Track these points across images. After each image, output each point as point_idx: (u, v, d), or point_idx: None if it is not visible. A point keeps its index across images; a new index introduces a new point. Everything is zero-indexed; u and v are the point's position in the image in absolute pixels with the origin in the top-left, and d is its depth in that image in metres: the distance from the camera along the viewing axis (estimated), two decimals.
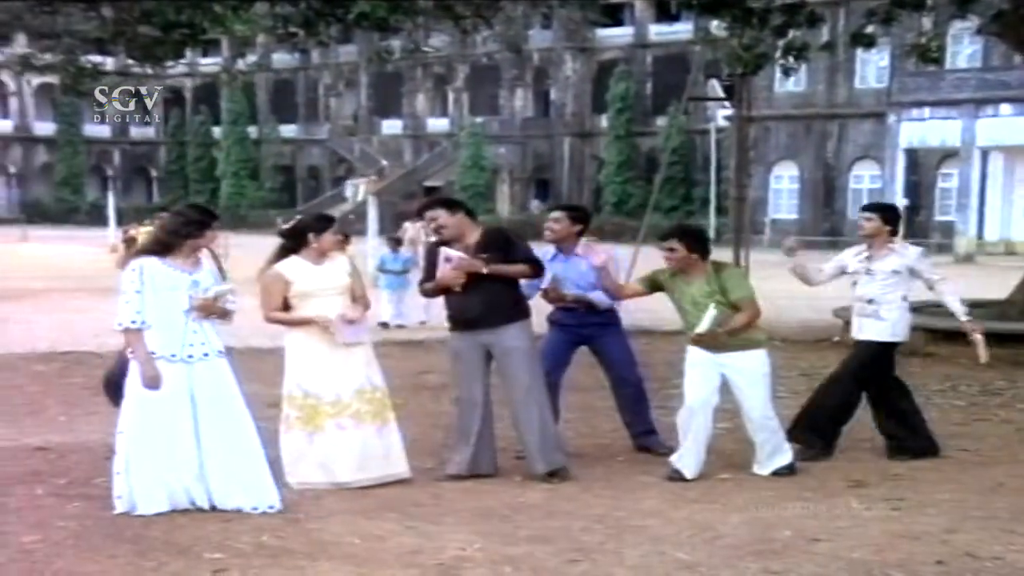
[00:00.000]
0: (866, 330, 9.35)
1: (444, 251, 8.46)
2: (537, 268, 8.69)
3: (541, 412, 8.65)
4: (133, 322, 7.46)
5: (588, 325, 9.48)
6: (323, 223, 8.46)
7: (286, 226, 8.46)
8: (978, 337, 9.23)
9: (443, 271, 8.46)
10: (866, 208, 9.75)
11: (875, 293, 9.27)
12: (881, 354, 9.43)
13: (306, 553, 6.72)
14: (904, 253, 9.38)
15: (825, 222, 59.01)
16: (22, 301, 22.71)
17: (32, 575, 6.32)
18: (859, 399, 9.64)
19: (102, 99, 78.46)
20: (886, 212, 9.55)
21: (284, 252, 8.36)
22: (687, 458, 8.64)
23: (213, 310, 7.62)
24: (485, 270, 8.40)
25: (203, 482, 7.52)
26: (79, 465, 8.76)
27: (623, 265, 9.83)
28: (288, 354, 8.40)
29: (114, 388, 8.01)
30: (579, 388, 11.74)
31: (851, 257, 9.50)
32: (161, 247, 7.62)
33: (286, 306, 8.34)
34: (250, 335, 16.25)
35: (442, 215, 8.55)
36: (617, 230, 60.26)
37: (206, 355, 7.60)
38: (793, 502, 7.98)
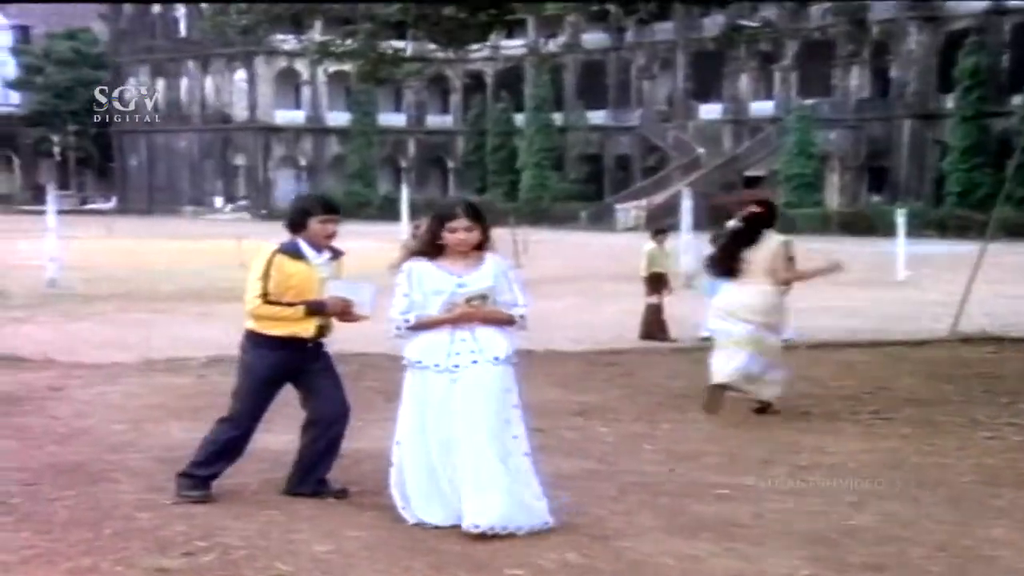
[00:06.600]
0: None
1: None
2: None
3: None
4: (398, 328, 7.63)
5: None
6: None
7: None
8: None
9: None
10: None
11: None
12: None
13: (614, 572, 6.80)
14: None
15: None
16: None
17: None
18: None
19: (401, 86, 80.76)
20: None
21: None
22: None
23: (468, 316, 7.55)
24: None
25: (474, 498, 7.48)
26: (373, 473, 9.00)
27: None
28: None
29: None
30: (920, 401, 11.53)
31: None
32: (429, 248, 7.70)
33: None
34: (554, 337, 16.57)
35: None
36: (961, 224, 58.43)
37: (475, 363, 7.57)
38: None
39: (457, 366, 7.56)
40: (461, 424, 7.51)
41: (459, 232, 7.55)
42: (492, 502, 7.39)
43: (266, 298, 8.04)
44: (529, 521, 7.51)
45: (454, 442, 7.54)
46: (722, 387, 12.05)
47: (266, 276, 8.04)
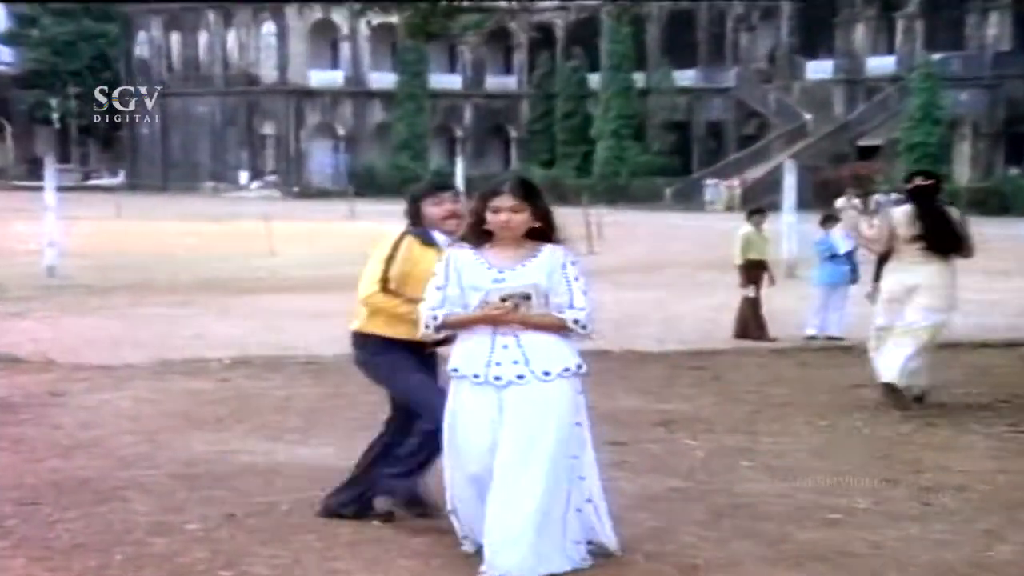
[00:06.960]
0: None
1: None
2: None
3: None
4: (427, 326, 7.40)
5: None
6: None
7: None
8: None
9: None
10: None
11: None
12: None
13: None
14: None
15: None
16: (342, 293, 23.66)
17: None
18: None
19: (455, 42, 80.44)
20: None
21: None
22: None
23: (498, 317, 7.22)
24: None
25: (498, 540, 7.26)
26: (428, 491, 9.07)
27: None
28: None
29: None
30: None
31: None
32: (473, 234, 7.44)
33: None
34: (633, 336, 16.58)
35: None
36: None
37: (521, 377, 7.22)
38: None
39: (499, 378, 7.24)
40: (503, 452, 7.22)
41: (502, 213, 7.24)
42: (516, 550, 7.14)
43: (385, 284, 8.05)
44: (575, 562, 7.34)
45: (495, 467, 7.26)
46: (894, 388, 12.50)
47: (391, 259, 8.07)
